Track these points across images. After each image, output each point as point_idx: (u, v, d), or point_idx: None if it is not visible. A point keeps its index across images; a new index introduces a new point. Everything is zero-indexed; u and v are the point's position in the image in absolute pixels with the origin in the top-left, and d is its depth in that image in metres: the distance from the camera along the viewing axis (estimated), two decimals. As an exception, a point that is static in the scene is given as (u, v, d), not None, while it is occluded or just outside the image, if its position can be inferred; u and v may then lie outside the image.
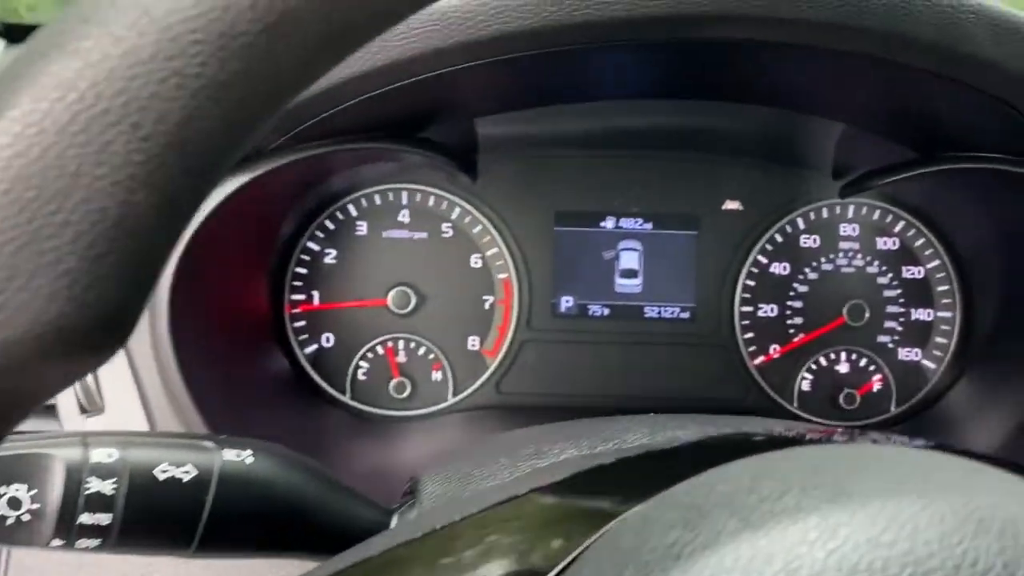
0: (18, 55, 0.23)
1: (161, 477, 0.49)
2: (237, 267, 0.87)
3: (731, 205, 0.99)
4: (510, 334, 0.99)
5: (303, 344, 0.97)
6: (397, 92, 0.67)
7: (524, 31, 0.59)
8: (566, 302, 1.00)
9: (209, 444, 0.52)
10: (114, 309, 0.23)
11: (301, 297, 0.97)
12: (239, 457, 0.52)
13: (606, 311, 1.00)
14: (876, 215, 0.99)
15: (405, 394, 0.97)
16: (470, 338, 0.99)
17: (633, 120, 0.94)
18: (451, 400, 0.99)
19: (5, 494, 0.46)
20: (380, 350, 0.98)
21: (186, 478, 0.49)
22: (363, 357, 0.98)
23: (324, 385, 0.97)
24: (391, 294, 0.96)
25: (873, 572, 0.23)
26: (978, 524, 0.25)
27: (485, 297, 0.99)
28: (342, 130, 0.74)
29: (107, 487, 0.47)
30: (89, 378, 0.73)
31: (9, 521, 0.45)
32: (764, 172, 0.98)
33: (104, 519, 0.48)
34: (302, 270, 0.97)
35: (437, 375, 0.99)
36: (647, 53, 0.72)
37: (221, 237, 0.77)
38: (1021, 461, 0.89)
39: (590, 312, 1.00)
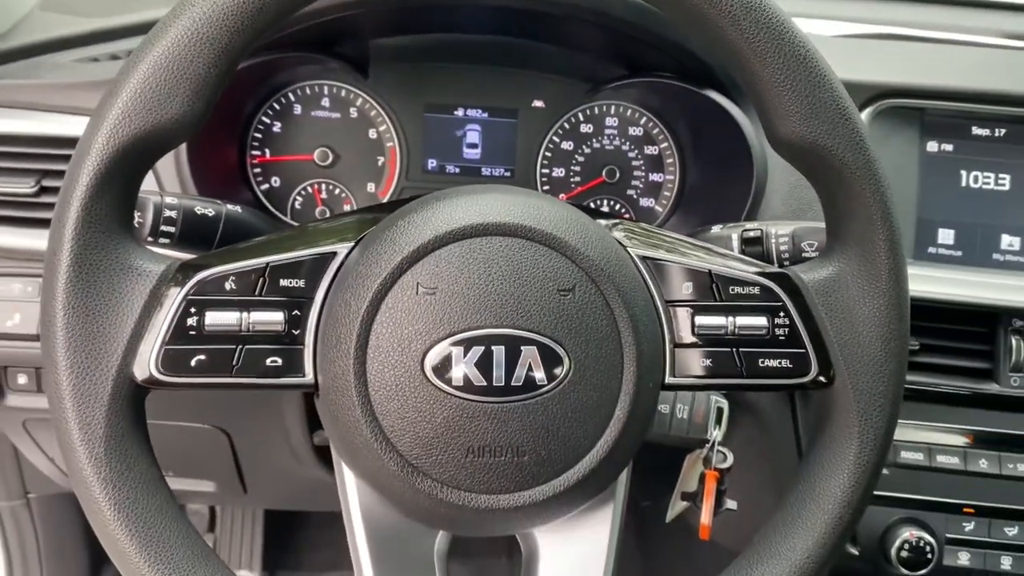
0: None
1: (199, 211, 1.04)
2: (219, 133, 1.39)
3: (537, 103, 1.51)
4: (395, 182, 1.53)
5: (259, 183, 1.50)
6: (318, 24, 1.20)
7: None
8: (431, 163, 1.54)
9: (218, 201, 1.08)
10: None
11: (258, 153, 1.49)
12: (233, 205, 1.09)
13: (457, 170, 1.52)
14: (629, 112, 1.54)
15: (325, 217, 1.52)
16: (369, 184, 1.53)
17: (477, 45, 1.46)
18: (355, 222, 1.53)
19: (136, 216, 0.95)
20: (309, 190, 1.52)
21: (210, 213, 1.04)
22: (298, 194, 1.51)
23: (273, 210, 1.51)
24: (316, 152, 1.49)
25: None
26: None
27: (378, 158, 1.52)
28: (280, 45, 1.27)
29: (172, 213, 1.02)
30: None
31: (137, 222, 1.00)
32: (554, 81, 1.52)
33: (171, 229, 1.02)
34: (258, 135, 1.49)
35: (347, 208, 1.53)
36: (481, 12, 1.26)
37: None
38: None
39: (447, 171, 1.54)
